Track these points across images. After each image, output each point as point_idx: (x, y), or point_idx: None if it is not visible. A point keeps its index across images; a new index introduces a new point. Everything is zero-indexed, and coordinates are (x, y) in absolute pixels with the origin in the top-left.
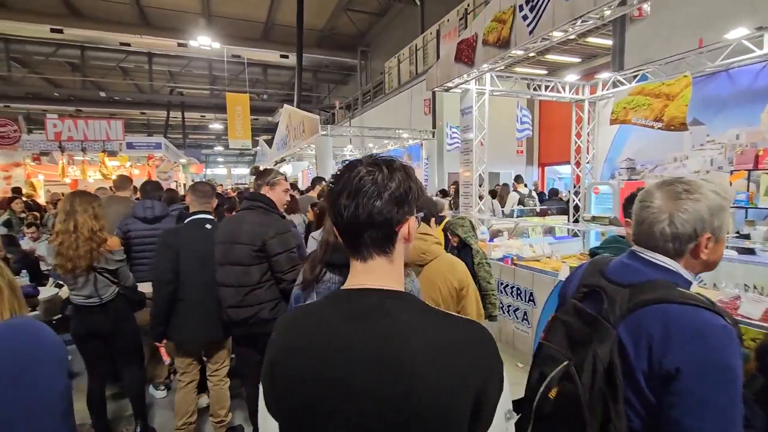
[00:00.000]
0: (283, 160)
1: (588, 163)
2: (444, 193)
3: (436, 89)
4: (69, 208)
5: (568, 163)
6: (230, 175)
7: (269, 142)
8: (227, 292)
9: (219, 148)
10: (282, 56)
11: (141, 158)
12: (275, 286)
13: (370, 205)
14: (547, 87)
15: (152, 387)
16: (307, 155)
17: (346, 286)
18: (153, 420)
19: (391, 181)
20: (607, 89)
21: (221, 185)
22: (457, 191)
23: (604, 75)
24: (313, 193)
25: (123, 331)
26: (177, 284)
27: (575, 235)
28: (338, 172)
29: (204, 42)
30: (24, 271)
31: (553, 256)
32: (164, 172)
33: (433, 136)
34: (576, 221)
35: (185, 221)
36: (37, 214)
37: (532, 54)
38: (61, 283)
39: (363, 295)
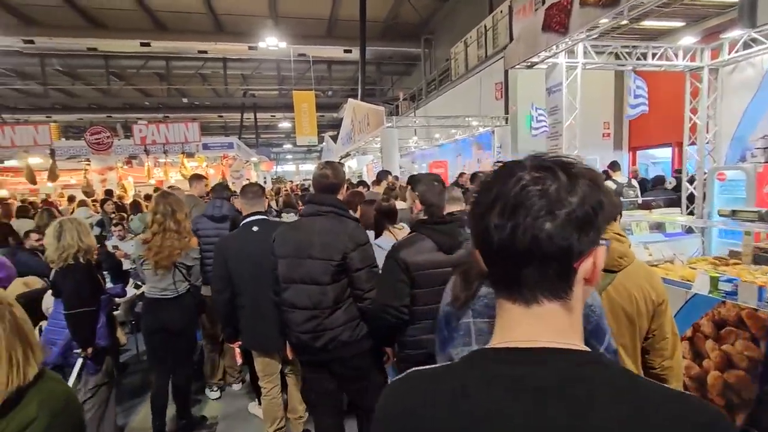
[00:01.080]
0: (348, 154)
1: (707, 143)
2: None
3: (516, 67)
4: (163, 207)
5: (669, 145)
6: (298, 171)
7: (335, 138)
8: (299, 316)
9: (288, 146)
10: (345, 51)
11: (217, 158)
12: (353, 304)
13: (536, 227)
14: (654, 55)
15: (207, 388)
16: (372, 149)
17: (500, 343)
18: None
19: (572, 193)
20: (736, 52)
21: (291, 181)
22: None
23: (733, 34)
24: (379, 188)
25: (186, 327)
26: (231, 291)
27: (689, 230)
28: (488, 178)
29: (271, 43)
30: (106, 272)
31: (675, 261)
32: (236, 170)
33: (506, 122)
34: (691, 214)
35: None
36: (124, 214)
37: (624, 21)
38: (140, 283)
39: (539, 359)
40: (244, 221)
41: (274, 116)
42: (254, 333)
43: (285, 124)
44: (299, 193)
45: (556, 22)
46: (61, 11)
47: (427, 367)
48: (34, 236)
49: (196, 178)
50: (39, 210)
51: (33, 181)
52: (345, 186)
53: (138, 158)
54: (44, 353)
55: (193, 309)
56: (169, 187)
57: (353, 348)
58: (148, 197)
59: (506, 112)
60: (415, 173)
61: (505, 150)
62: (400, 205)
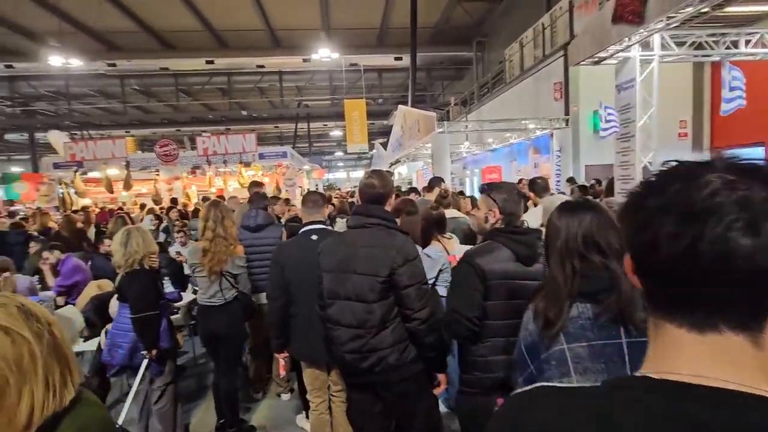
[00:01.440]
0: (398, 161)
1: None
2: (584, 190)
3: (582, 63)
4: (213, 214)
5: (762, 144)
6: (349, 179)
7: (385, 145)
8: (343, 334)
9: (339, 154)
10: (396, 58)
11: (272, 167)
12: (402, 324)
13: (730, 241)
14: (747, 42)
15: (253, 393)
16: (422, 155)
17: (656, 373)
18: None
19: None
20: None
21: (338, 189)
22: (609, 188)
23: None
24: (431, 196)
25: (233, 334)
26: (287, 300)
27: None
28: (658, 178)
29: (324, 54)
30: (167, 277)
31: None
32: (290, 179)
33: (567, 124)
34: None
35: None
36: (186, 221)
37: (705, 9)
38: (197, 288)
39: (734, 406)
40: (303, 229)
41: (326, 125)
42: (305, 343)
43: (336, 133)
44: (348, 199)
45: (630, 12)
46: (139, 36)
47: (559, 384)
48: (107, 242)
49: (255, 185)
50: (113, 217)
51: (111, 191)
52: (393, 195)
53: (201, 168)
54: (80, 374)
55: (240, 316)
56: (230, 198)
57: (401, 372)
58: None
59: (566, 113)
60: (494, 181)
61: (565, 153)
62: (451, 213)
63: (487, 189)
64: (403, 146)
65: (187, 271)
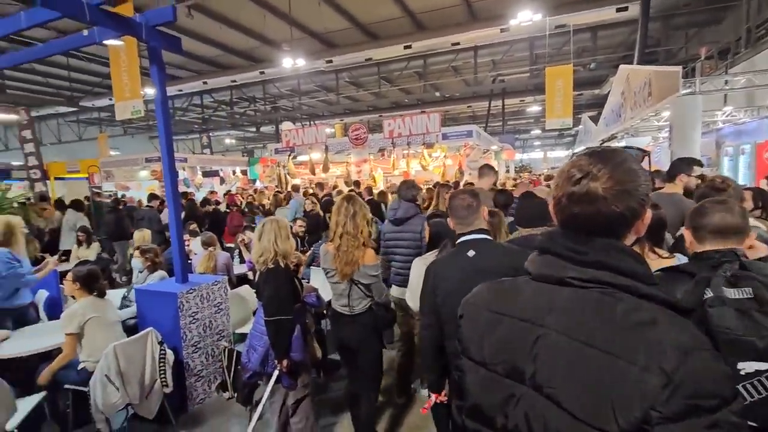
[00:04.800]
0: (613, 137)
1: None
2: None
3: None
4: (346, 210)
5: None
6: (546, 159)
7: (595, 119)
8: None
9: (536, 131)
10: (618, 9)
11: (459, 148)
12: None
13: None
14: None
15: None
16: (648, 128)
17: None
18: None
19: None
20: None
21: (530, 171)
22: None
23: None
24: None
25: (365, 349)
26: (439, 330)
27: None
28: None
29: (525, 18)
30: None
31: None
32: (474, 160)
33: None
34: None
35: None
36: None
37: None
38: None
39: None
40: (459, 239)
41: (522, 101)
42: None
43: (534, 108)
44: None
45: None
46: (349, 32)
47: None
48: (298, 222)
49: (487, 168)
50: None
51: (313, 172)
52: (646, 216)
53: (387, 150)
54: None
55: (373, 328)
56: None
57: None
58: (389, 187)
59: None
60: None
61: None
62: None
63: None
64: (623, 117)
65: None
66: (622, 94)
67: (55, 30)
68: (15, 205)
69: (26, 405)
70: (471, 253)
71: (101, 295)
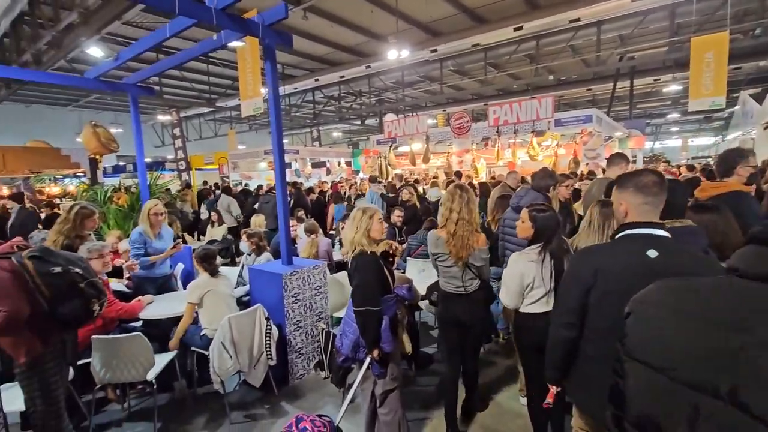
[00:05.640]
0: None
1: None
2: None
3: None
4: (460, 197)
5: None
6: (686, 147)
7: (758, 97)
8: None
9: (673, 115)
10: None
11: (573, 135)
12: None
13: None
14: None
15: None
16: None
17: None
18: None
19: None
20: None
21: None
22: None
23: None
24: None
25: (477, 323)
26: (578, 334)
27: None
28: None
29: None
30: None
31: None
32: (592, 149)
33: None
34: None
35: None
36: None
37: None
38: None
39: None
40: (624, 231)
41: (657, 80)
42: (594, 396)
43: (672, 88)
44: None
45: None
46: (456, 18)
47: None
48: (396, 212)
49: (618, 157)
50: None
51: (413, 163)
52: None
53: (492, 139)
54: None
55: (483, 304)
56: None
57: None
58: (493, 180)
59: None
60: None
61: None
62: None
63: None
64: None
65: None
66: None
67: (192, 40)
68: (164, 191)
69: (162, 360)
70: (652, 253)
71: (212, 274)
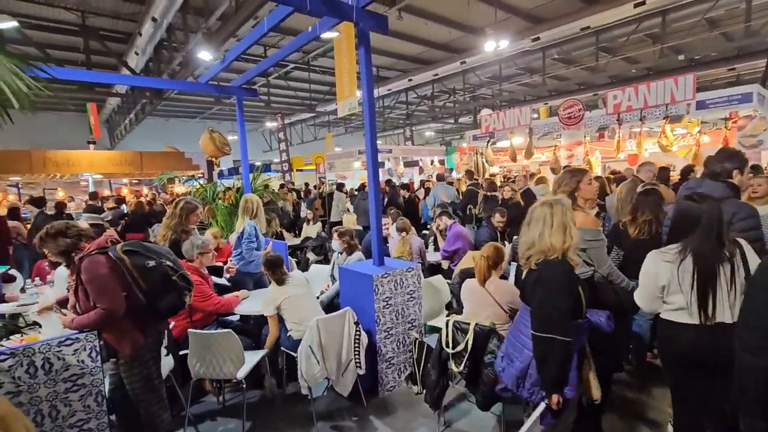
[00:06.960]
0: None
1: None
2: None
3: None
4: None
5: None
6: None
7: None
8: None
9: None
10: None
11: (719, 121)
12: None
13: None
14: None
15: None
16: None
17: None
18: None
19: None
20: None
21: None
22: None
23: None
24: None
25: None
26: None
27: None
28: None
29: None
30: None
31: None
32: (751, 135)
33: None
34: None
35: None
36: None
37: None
38: None
39: None
40: None
41: None
42: None
43: None
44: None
45: None
46: (560, 2)
47: None
48: (497, 216)
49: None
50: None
51: (514, 159)
52: None
53: (609, 129)
54: None
55: None
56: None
57: None
58: (616, 174)
59: None
60: None
61: None
62: None
63: None
64: None
65: None
66: None
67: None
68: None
69: (252, 359)
70: None
71: (280, 282)
